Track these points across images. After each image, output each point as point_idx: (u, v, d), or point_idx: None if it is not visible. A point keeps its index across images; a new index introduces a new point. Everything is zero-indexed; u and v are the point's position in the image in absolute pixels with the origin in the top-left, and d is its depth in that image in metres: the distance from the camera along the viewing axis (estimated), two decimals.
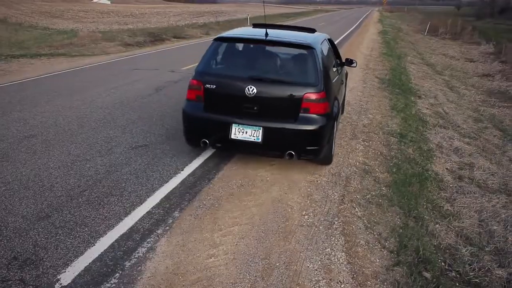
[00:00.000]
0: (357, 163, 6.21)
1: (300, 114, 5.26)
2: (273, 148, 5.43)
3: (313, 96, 5.23)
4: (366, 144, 7.07)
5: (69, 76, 12.43)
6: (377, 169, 6.07)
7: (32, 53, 17.03)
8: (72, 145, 6.42)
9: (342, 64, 7.52)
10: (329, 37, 7.10)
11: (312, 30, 6.71)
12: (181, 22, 42.07)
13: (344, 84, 7.99)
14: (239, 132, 5.35)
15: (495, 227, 4.97)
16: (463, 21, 47.08)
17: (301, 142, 5.32)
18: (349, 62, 7.67)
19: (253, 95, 5.23)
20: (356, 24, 42.09)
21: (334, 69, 6.55)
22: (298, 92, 5.25)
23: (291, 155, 5.30)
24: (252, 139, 5.32)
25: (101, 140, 6.66)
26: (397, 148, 7.04)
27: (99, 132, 7.09)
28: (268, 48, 6.17)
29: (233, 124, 5.35)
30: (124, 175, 5.38)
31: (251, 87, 5.23)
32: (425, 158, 6.85)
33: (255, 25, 6.79)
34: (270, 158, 6.03)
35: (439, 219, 4.92)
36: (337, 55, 7.35)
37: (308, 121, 5.26)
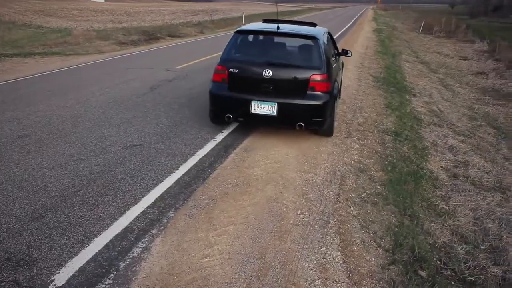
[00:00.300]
0: (352, 162, 6.20)
1: (308, 92, 6.41)
2: (286, 121, 6.54)
3: (318, 77, 6.41)
4: (361, 142, 7.06)
5: (63, 75, 12.36)
6: (372, 168, 6.07)
7: (26, 52, 16.94)
8: (66, 144, 6.38)
9: (339, 54, 8.61)
10: (328, 31, 8.18)
11: (313, 24, 7.88)
12: (176, 20, 41.95)
13: (341, 70, 9.25)
14: (258, 107, 6.48)
15: (490, 225, 4.98)
16: (457, 19, 47.17)
17: (308, 115, 6.44)
18: (345, 52, 8.80)
19: (269, 76, 6.39)
20: (351, 23, 42.11)
21: (333, 58, 7.59)
22: (306, 74, 6.43)
23: (300, 126, 6.41)
24: (269, 113, 6.44)
25: (95, 140, 6.63)
26: (392, 147, 7.04)
27: (93, 131, 7.05)
28: (279, 39, 7.40)
29: (252, 101, 6.49)
30: (118, 175, 5.35)
31: (267, 70, 6.39)
32: (420, 156, 6.87)
33: (265, 21, 8.12)
34: (271, 151, 6.03)
35: (434, 218, 4.92)
36: (334, 46, 8.48)
37: (314, 98, 6.40)
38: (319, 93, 6.43)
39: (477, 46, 28.39)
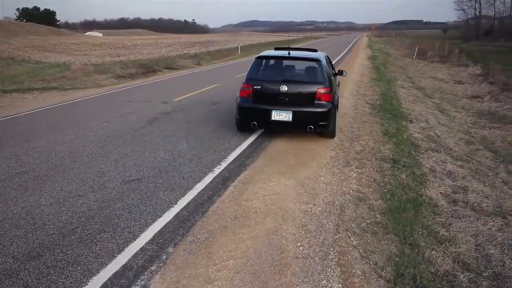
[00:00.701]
0: (351, 191, 6.19)
1: (315, 102, 8.22)
2: (299, 125, 8.33)
3: (322, 90, 8.26)
4: (359, 171, 7.06)
5: (62, 110, 12.45)
6: (371, 196, 6.05)
7: (25, 87, 17.08)
8: (64, 181, 6.38)
9: (336, 74, 10.42)
10: (327, 55, 10.07)
11: (315, 50, 9.96)
12: (173, 52, 42.45)
13: (338, 86, 11.04)
14: (277, 115, 8.27)
15: (492, 251, 4.94)
16: (450, 44, 47.78)
17: (316, 119, 8.24)
18: (340, 72, 10.91)
19: (285, 91, 8.23)
20: (346, 50, 42.64)
21: (333, 76, 9.45)
22: (313, 88, 8.29)
23: (310, 128, 8.23)
24: (286, 119, 8.24)
25: (94, 175, 6.62)
26: (391, 174, 7.04)
27: (91, 166, 7.06)
28: (290, 62, 9.24)
29: (273, 110, 8.28)
30: (117, 211, 5.33)
31: (283, 86, 8.26)
32: (418, 183, 6.85)
33: (277, 48, 10.14)
34: (270, 182, 6.03)
35: (435, 245, 4.88)
36: (332, 67, 10.20)
37: (321, 106, 8.21)
38: (324, 102, 8.27)
39: (471, 70, 28.68)
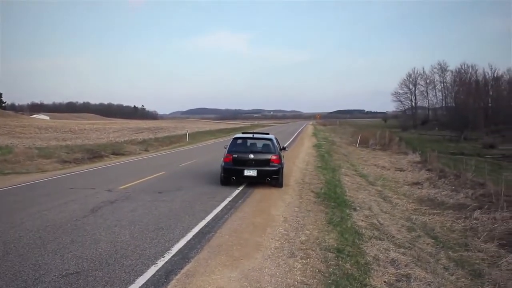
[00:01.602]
0: (296, 283, 6.14)
1: (270, 164, 13.14)
2: (261, 178, 13.11)
3: (274, 157, 13.23)
4: (304, 261, 7.06)
5: None
6: None
7: None
8: None
9: (281, 149, 15.45)
10: (275, 136, 15.41)
11: (268, 133, 15.68)
12: (121, 138, 42.36)
13: (283, 157, 15.07)
14: (247, 172, 13.06)
15: None
16: (390, 132, 50.32)
17: (271, 174, 13.11)
18: (284, 148, 16.40)
19: (251, 158, 13.17)
20: (292, 139, 43.81)
21: (280, 149, 14.53)
22: (268, 156, 13.29)
23: (268, 180, 13.16)
24: (253, 174, 13.09)
25: (29, 268, 6.29)
26: (335, 264, 7.07)
27: (27, 258, 6.71)
28: (253, 140, 14.57)
29: (245, 169, 13.09)
30: None
31: (251, 155, 13.31)
32: (363, 272, 6.91)
33: (244, 132, 16.59)
34: (214, 275, 5.90)
35: None
36: (279, 144, 15.14)
37: (273, 166, 13.17)
38: (275, 164, 13.39)
39: (410, 157, 30.06)
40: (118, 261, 6.71)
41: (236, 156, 13.43)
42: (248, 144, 14.56)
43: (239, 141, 14.60)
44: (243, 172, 13.20)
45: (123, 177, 16.24)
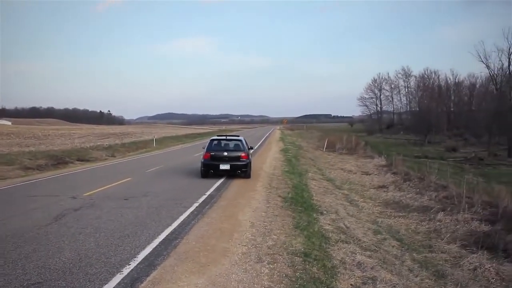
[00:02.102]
0: None
1: (240, 159, 16.73)
2: (233, 171, 16.60)
3: (243, 154, 17.01)
4: (271, 266, 7.06)
5: None
6: None
7: None
8: None
9: (249, 148, 18.66)
10: (244, 138, 18.90)
11: (238, 135, 19.80)
12: (86, 144, 41.61)
13: (251, 154, 18.70)
14: (222, 166, 16.53)
15: None
16: (357, 136, 51.08)
17: (241, 168, 16.71)
18: (251, 148, 19.31)
19: (226, 155, 16.81)
20: (259, 144, 43.89)
21: (248, 148, 17.86)
22: (239, 153, 17.02)
23: (238, 173, 16.81)
24: (227, 168, 16.58)
25: None
26: (302, 268, 7.11)
27: None
28: (227, 141, 17.97)
29: (220, 164, 16.60)
30: None
31: (225, 152, 16.99)
32: (329, 276, 6.98)
33: (219, 135, 19.15)
34: (180, 282, 5.84)
35: None
36: (247, 144, 18.47)
37: (243, 161, 16.81)
38: (244, 159, 16.65)
39: (376, 161, 30.54)
40: (82, 269, 6.57)
41: (213, 153, 17.06)
42: (223, 144, 17.97)
43: (215, 142, 18.02)
44: (219, 167, 16.81)
45: (88, 183, 15.95)
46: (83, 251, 7.53)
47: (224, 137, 18.59)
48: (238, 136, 19.60)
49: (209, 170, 16.99)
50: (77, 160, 26.54)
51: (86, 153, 29.97)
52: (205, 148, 17.46)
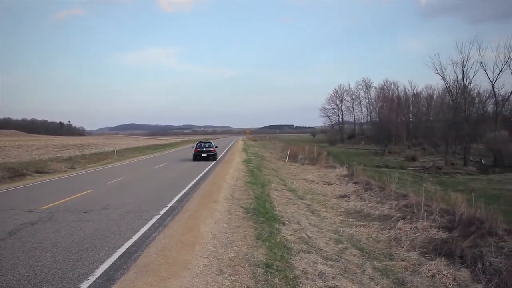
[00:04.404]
0: None
1: (211, 151, 36.80)
2: (208, 157, 35.86)
3: (212, 149, 37.31)
4: (233, 278, 7.03)
5: None
6: None
7: None
8: None
9: (216, 147, 38.74)
10: (213, 141, 42.06)
11: (210, 140, 47.51)
12: (45, 155, 40.56)
13: (216, 148, 39.11)
14: (203, 154, 36.15)
15: None
16: (319, 147, 51.68)
17: (212, 155, 36.48)
18: (216, 146, 38.82)
19: (204, 150, 36.84)
20: (221, 155, 43.80)
21: (215, 147, 38.60)
22: (210, 148, 37.36)
23: (211, 157, 36.08)
24: (205, 156, 36.07)
25: None
26: (264, 280, 7.10)
27: None
28: (203, 143, 39.24)
29: (202, 154, 36.29)
30: None
31: (204, 148, 37.36)
32: (291, 286, 7.01)
33: (199, 141, 41.64)
34: None
35: None
36: (214, 144, 39.34)
37: (212, 152, 36.85)
38: (213, 151, 36.72)
39: (338, 171, 30.91)
40: (37, 286, 6.38)
41: (198, 149, 35.90)
42: (202, 144, 37.39)
43: (199, 143, 37.82)
44: (201, 155, 35.27)
45: (47, 196, 15.52)
46: (39, 267, 7.31)
47: (203, 141, 40.03)
48: (209, 141, 41.49)
49: (197, 156, 35.61)
50: (35, 172, 25.79)
51: (44, 165, 29.18)
52: (194, 147, 37.27)
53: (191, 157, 37.01)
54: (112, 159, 40.24)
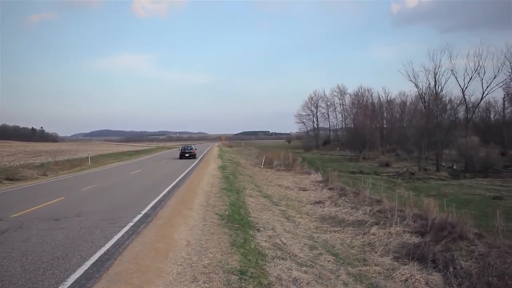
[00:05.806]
0: None
1: (193, 152, 52.07)
2: (190, 156, 50.25)
3: (193, 151, 52.89)
4: (207, 286, 6.99)
5: None
6: None
7: None
8: None
9: (195, 149, 55.31)
10: (194, 145, 63.86)
11: (191, 145, 63.87)
12: (16, 162, 39.71)
13: (196, 149, 56.31)
14: (186, 154, 50.70)
15: None
16: (294, 153, 52.03)
17: (193, 155, 51.29)
18: (195, 149, 56.16)
19: (187, 151, 51.79)
20: (197, 161, 43.64)
21: (195, 149, 55.67)
22: (192, 150, 52.88)
23: (192, 157, 50.14)
24: (188, 155, 50.40)
25: None
26: (238, 286, 7.09)
27: None
28: (187, 146, 56.28)
29: (185, 153, 51.06)
30: None
31: (186, 149, 52.67)
32: None
33: (184, 146, 59.59)
34: None
35: None
36: (195, 148, 57.11)
37: (193, 153, 51.94)
38: (194, 152, 52.05)
39: (313, 177, 31.05)
40: None
41: (183, 150, 51.30)
42: (186, 147, 53.32)
43: (183, 146, 54.78)
44: (185, 154, 49.66)
45: (17, 204, 15.19)
46: (7, 277, 7.14)
47: (186, 145, 56.22)
48: (190, 145, 59.91)
49: (182, 156, 48.35)
50: (6, 180, 25.26)
51: (15, 172, 28.61)
52: (180, 149, 52.58)
53: (168, 162, 44.30)
54: (86, 166, 39.67)
